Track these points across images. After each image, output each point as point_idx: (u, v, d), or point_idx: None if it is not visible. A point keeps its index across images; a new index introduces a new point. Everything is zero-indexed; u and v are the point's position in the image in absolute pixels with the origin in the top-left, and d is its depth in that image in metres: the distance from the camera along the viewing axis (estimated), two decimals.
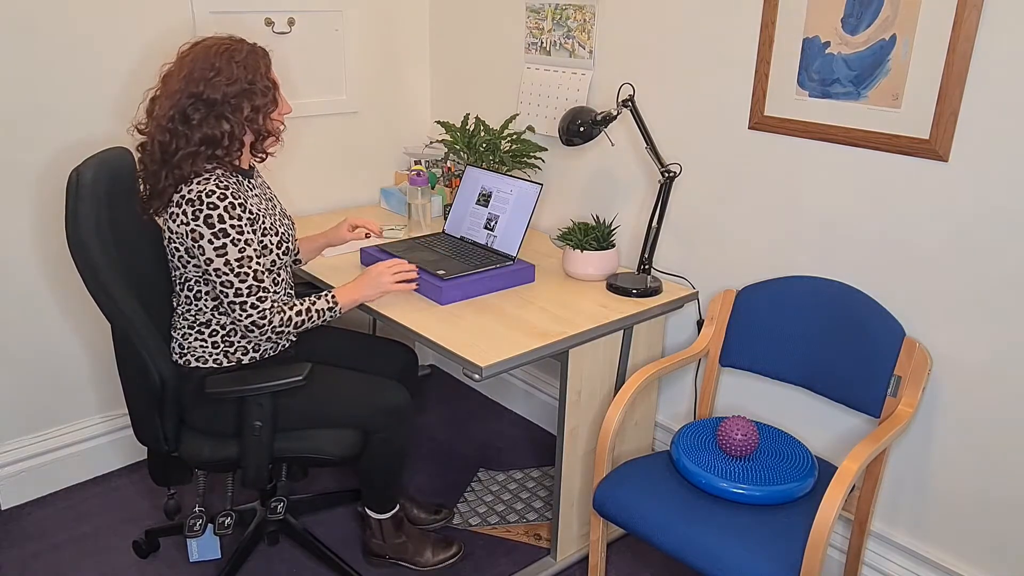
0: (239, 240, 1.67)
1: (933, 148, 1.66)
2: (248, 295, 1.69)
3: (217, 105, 1.68)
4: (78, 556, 2.16)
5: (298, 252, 2.13)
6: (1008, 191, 1.58)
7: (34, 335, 2.30)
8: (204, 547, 2.12)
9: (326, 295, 1.82)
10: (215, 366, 1.82)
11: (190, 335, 1.81)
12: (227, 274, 1.68)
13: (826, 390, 1.84)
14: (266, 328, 1.73)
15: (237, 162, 1.77)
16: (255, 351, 1.85)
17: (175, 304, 1.85)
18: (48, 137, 2.17)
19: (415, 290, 2.01)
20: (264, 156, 1.84)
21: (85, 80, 2.19)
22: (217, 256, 1.66)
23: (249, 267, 1.69)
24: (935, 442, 1.80)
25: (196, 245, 1.67)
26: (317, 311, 1.79)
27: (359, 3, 2.68)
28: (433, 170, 2.79)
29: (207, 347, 1.81)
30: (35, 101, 2.13)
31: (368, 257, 2.22)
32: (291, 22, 2.53)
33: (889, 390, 1.73)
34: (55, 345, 2.34)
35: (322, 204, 2.80)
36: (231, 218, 1.66)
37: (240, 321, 1.72)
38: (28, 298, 2.26)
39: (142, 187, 1.77)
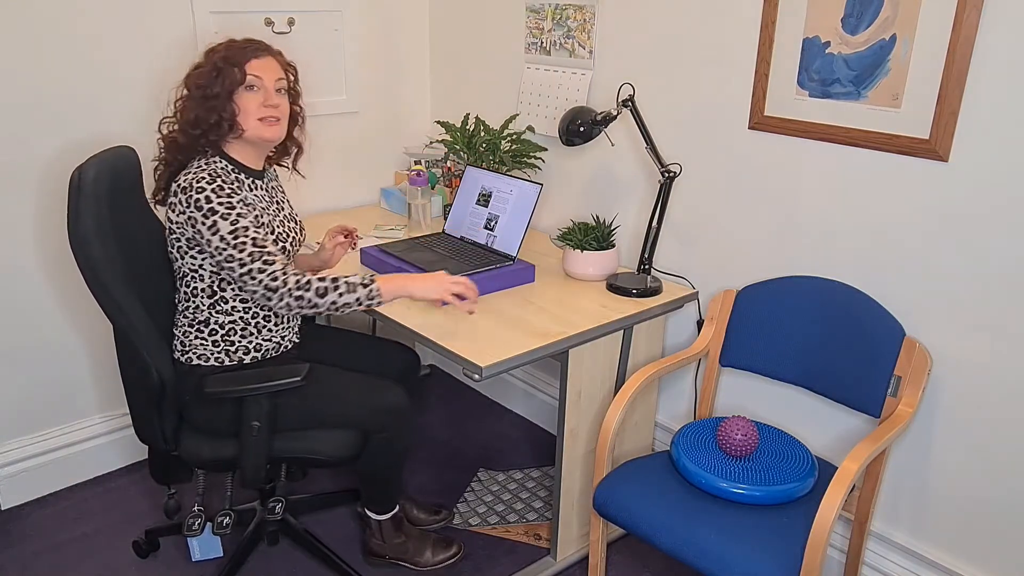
0: (229, 214, 1.67)
1: (933, 148, 1.66)
2: (252, 261, 1.66)
3: (194, 90, 1.75)
4: (78, 556, 2.16)
5: None
6: (1008, 191, 1.58)
7: (35, 335, 2.30)
8: (205, 546, 2.12)
9: (364, 273, 1.76)
10: (216, 364, 1.82)
11: (190, 333, 1.81)
12: (226, 248, 1.66)
13: (826, 390, 1.84)
14: (282, 290, 1.66)
15: (225, 149, 1.79)
16: (256, 351, 1.85)
17: (176, 301, 1.85)
18: (50, 137, 2.17)
19: (470, 312, 1.83)
20: (257, 146, 1.81)
21: (87, 80, 2.19)
22: (212, 234, 1.67)
23: (245, 235, 1.67)
24: (935, 442, 1.80)
25: (195, 231, 1.69)
26: (347, 283, 1.69)
27: (359, 3, 2.68)
28: (433, 170, 2.79)
29: (207, 345, 1.81)
30: (37, 101, 2.13)
31: (368, 257, 2.22)
32: (291, 22, 2.53)
33: (889, 390, 1.73)
34: (55, 345, 2.34)
35: (322, 204, 2.80)
36: (218, 197, 1.67)
37: (256, 291, 1.67)
38: (29, 298, 2.26)
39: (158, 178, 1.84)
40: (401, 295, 1.75)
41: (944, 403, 1.77)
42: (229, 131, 1.75)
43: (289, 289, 1.66)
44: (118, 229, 1.71)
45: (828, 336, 1.83)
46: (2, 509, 2.34)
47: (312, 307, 1.68)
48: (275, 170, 2.00)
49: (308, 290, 1.67)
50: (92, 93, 2.21)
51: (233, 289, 1.79)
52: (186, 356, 1.82)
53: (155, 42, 2.28)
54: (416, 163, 2.70)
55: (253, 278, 1.67)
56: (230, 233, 1.66)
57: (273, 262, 1.68)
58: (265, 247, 1.68)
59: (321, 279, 1.69)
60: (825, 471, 1.79)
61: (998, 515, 1.73)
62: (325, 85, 2.67)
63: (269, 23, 2.49)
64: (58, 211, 2.24)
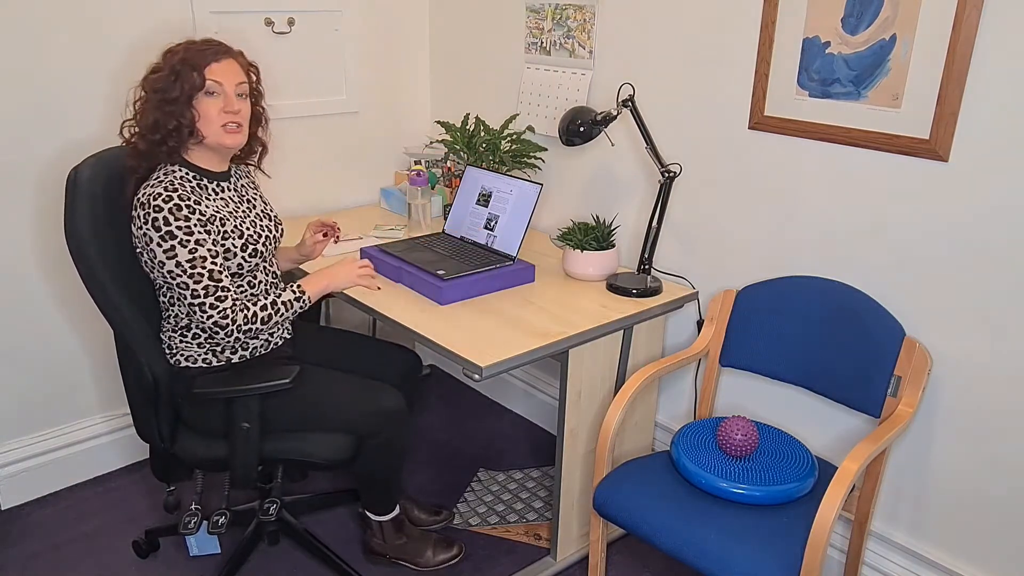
0: (188, 241, 1.65)
1: (933, 148, 1.65)
2: (205, 295, 1.67)
3: (152, 93, 1.70)
4: (78, 556, 2.16)
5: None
6: (1008, 191, 1.58)
7: (34, 335, 2.30)
8: (203, 543, 2.12)
9: (291, 286, 1.81)
10: (204, 366, 1.81)
11: (175, 337, 1.81)
12: (180, 275, 1.66)
13: (826, 390, 1.84)
14: (230, 327, 1.70)
15: (194, 156, 1.76)
16: (244, 350, 1.85)
17: (160, 307, 1.85)
18: (49, 137, 2.18)
19: (378, 288, 2.03)
20: (213, 150, 1.77)
21: (86, 80, 2.19)
22: (168, 259, 1.65)
23: (203, 267, 1.66)
24: (935, 442, 1.80)
25: (149, 249, 1.67)
26: (284, 303, 1.77)
27: (359, 3, 2.68)
28: (433, 170, 2.79)
29: (193, 347, 1.81)
30: (37, 102, 2.13)
31: (368, 257, 2.22)
32: (291, 22, 2.53)
33: (889, 390, 1.73)
34: (55, 345, 2.34)
35: (322, 204, 2.80)
36: (176, 219, 1.64)
37: (203, 323, 1.69)
38: (28, 298, 2.26)
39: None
40: (324, 292, 1.86)
41: (944, 403, 1.77)
42: (189, 137, 1.72)
43: (238, 326, 1.71)
44: (114, 228, 1.71)
45: (828, 336, 1.83)
46: (2, 509, 2.34)
47: (258, 332, 1.76)
48: (245, 166, 1.95)
49: (254, 322, 1.73)
50: (91, 93, 2.21)
51: (181, 302, 1.76)
52: (175, 359, 1.82)
53: (155, 42, 2.27)
54: (416, 163, 2.70)
55: (204, 312, 1.68)
56: (187, 262, 1.66)
57: (225, 299, 1.69)
58: (220, 281, 1.69)
59: (263, 307, 1.74)
60: (825, 471, 1.79)
61: (998, 515, 1.73)
62: (325, 85, 2.67)
63: (269, 23, 2.49)
64: (58, 211, 2.24)
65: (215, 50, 1.73)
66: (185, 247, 1.65)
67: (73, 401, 2.42)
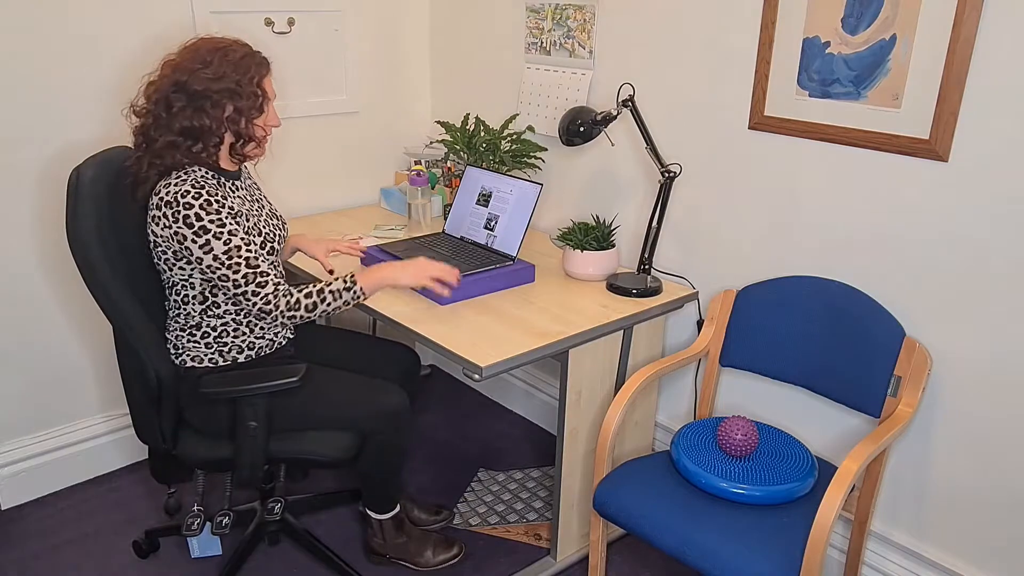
0: (221, 233, 1.66)
1: (933, 148, 1.66)
2: (246, 283, 1.68)
3: (198, 98, 1.68)
4: (78, 556, 2.16)
5: None
6: (1008, 191, 1.58)
7: (35, 335, 2.30)
8: (204, 544, 2.12)
9: (343, 276, 1.77)
10: (211, 365, 1.82)
11: (183, 336, 1.81)
12: (220, 267, 1.67)
13: (826, 390, 1.84)
14: (275, 313, 1.70)
15: (214, 160, 1.76)
16: (250, 349, 1.85)
17: (167, 307, 1.85)
18: (49, 137, 2.18)
19: (448, 294, 1.90)
20: (242, 159, 1.81)
21: (87, 80, 2.19)
22: (205, 253, 1.66)
23: (239, 256, 1.67)
24: (935, 442, 1.80)
25: (183, 247, 1.67)
26: (332, 291, 1.73)
27: (359, 3, 2.68)
28: (433, 170, 2.79)
29: (200, 347, 1.81)
30: (37, 101, 2.13)
31: (369, 258, 2.21)
32: (291, 22, 2.53)
33: (889, 390, 1.73)
34: (55, 345, 2.34)
35: (322, 204, 2.80)
36: (208, 214, 1.65)
37: (251, 311, 1.73)
38: (29, 298, 2.26)
39: (133, 175, 1.73)
40: (383, 286, 1.80)
41: (944, 403, 1.77)
42: (244, 147, 1.76)
43: (281, 311, 1.71)
44: (117, 229, 1.71)
45: (828, 336, 1.83)
46: (2, 509, 2.34)
47: (304, 320, 1.75)
48: (247, 167, 1.96)
49: (299, 309, 1.72)
50: (91, 94, 2.21)
51: (225, 293, 1.79)
52: (180, 359, 1.82)
53: (155, 42, 2.28)
54: (416, 163, 2.70)
55: (248, 299, 1.70)
56: (224, 253, 1.66)
57: (265, 283, 1.70)
58: (258, 266, 1.69)
59: (308, 295, 1.73)
60: (825, 471, 1.79)
61: (998, 515, 1.73)
62: (325, 85, 2.67)
63: (269, 23, 2.49)
64: (59, 211, 2.24)
65: (266, 62, 1.76)
66: (220, 239, 1.66)
67: (73, 401, 2.42)
